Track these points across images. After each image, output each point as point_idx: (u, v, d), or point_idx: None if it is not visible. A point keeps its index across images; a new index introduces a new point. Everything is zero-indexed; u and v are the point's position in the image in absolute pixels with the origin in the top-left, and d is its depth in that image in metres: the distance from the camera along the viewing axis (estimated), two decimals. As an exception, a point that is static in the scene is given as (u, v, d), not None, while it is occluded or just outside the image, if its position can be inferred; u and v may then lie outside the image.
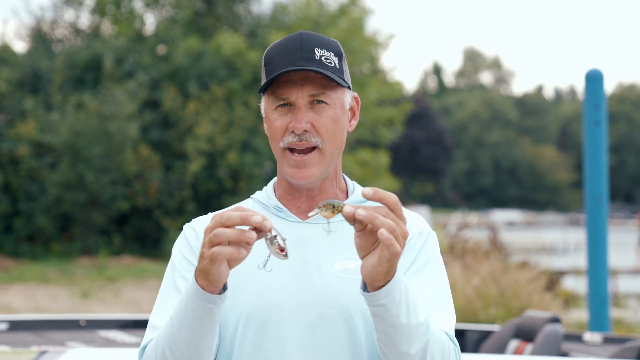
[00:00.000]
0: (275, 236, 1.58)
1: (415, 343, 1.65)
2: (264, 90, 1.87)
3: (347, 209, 1.54)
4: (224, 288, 1.65)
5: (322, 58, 1.83)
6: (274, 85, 1.84)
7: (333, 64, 1.84)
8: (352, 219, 1.54)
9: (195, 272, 1.63)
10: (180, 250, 1.90)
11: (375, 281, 1.58)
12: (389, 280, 1.59)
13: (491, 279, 8.58)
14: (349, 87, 1.90)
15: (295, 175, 1.85)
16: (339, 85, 1.85)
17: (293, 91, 1.83)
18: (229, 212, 1.57)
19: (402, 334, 1.64)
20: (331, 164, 1.88)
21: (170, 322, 1.70)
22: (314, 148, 1.85)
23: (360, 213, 1.53)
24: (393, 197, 1.56)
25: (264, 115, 1.92)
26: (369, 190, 1.55)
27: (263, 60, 1.90)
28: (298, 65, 1.81)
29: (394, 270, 1.58)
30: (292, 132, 1.84)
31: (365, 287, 1.62)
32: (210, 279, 1.60)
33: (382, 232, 1.51)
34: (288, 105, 1.85)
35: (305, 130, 1.83)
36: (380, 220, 1.53)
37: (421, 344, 1.66)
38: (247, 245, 1.57)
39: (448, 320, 1.81)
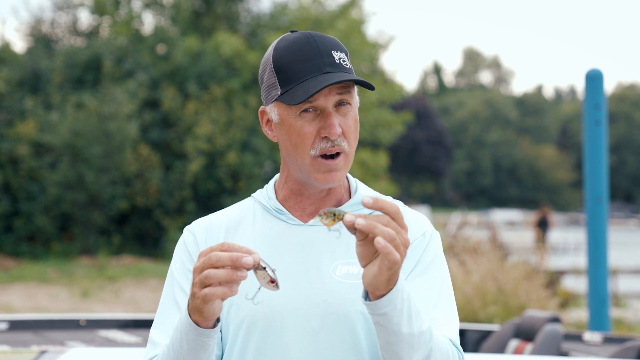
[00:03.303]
0: (265, 268, 1.58)
1: (417, 352, 1.65)
2: (286, 95, 1.80)
3: (348, 217, 1.53)
4: (217, 320, 1.67)
5: (341, 60, 1.83)
6: (297, 89, 1.80)
7: (348, 65, 1.84)
8: (353, 228, 1.54)
9: (188, 307, 1.65)
10: (180, 258, 1.90)
11: (377, 290, 1.58)
12: (390, 289, 1.58)
13: (490, 278, 8.58)
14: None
15: (327, 179, 1.83)
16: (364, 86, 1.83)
17: (322, 95, 1.80)
18: (218, 253, 1.57)
19: (403, 343, 1.63)
20: (351, 163, 1.89)
21: (167, 350, 1.72)
22: (339, 152, 1.84)
23: (360, 222, 1.52)
24: (394, 206, 1.55)
25: (278, 121, 1.86)
26: (369, 199, 1.55)
27: (273, 67, 1.84)
28: (325, 71, 1.79)
29: (395, 278, 1.57)
30: (325, 137, 1.81)
31: (367, 296, 1.62)
32: (204, 316, 1.62)
33: (379, 240, 1.51)
34: (312, 110, 1.81)
35: (338, 135, 1.82)
36: (380, 229, 1.52)
37: (423, 353, 1.66)
38: (238, 282, 1.59)
39: (451, 324, 1.80)
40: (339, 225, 1.61)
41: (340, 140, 1.82)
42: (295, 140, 1.83)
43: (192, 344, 1.66)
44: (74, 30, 24.23)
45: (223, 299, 1.60)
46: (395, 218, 1.55)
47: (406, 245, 1.55)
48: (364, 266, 1.58)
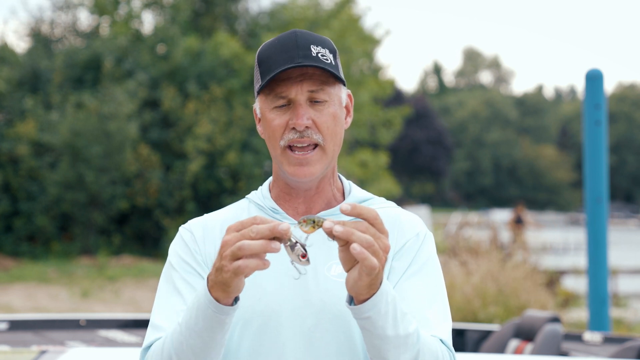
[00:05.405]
0: (296, 242, 1.57)
1: (404, 354, 1.65)
2: (262, 88, 1.84)
3: (327, 224, 1.53)
4: (236, 299, 1.65)
5: (319, 55, 1.82)
6: (272, 83, 1.82)
7: (329, 61, 1.83)
8: (332, 235, 1.54)
9: (209, 284, 1.62)
10: (178, 253, 1.88)
11: (359, 294, 1.58)
12: (373, 293, 1.58)
13: (491, 278, 8.58)
14: (344, 83, 1.89)
15: (297, 172, 1.84)
16: (336, 81, 1.85)
17: (292, 88, 1.81)
18: (257, 225, 1.55)
19: (389, 345, 1.63)
20: (331, 162, 1.87)
21: (178, 329, 1.69)
22: (315, 146, 1.83)
23: (337, 230, 1.52)
24: (372, 212, 1.55)
25: (259, 116, 1.89)
26: (347, 205, 1.54)
27: (257, 60, 1.88)
28: (296, 62, 1.79)
29: (377, 283, 1.57)
30: (293, 128, 1.82)
31: (351, 301, 1.62)
32: (230, 290, 1.60)
33: (354, 247, 1.51)
34: (287, 105, 1.83)
35: (306, 127, 1.81)
36: (357, 235, 1.52)
37: (411, 355, 1.66)
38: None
39: (444, 324, 1.80)
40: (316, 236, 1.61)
41: (310, 133, 1.82)
42: (269, 132, 1.86)
43: (208, 320, 1.64)
44: (74, 30, 24.22)
45: (252, 272, 1.57)
46: (374, 224, 1.54)
47: (386, 250, 1.54)
48: (346, 271, 1.58)
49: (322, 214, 1.89)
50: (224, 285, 1.59)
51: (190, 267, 1.85)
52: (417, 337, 1.66)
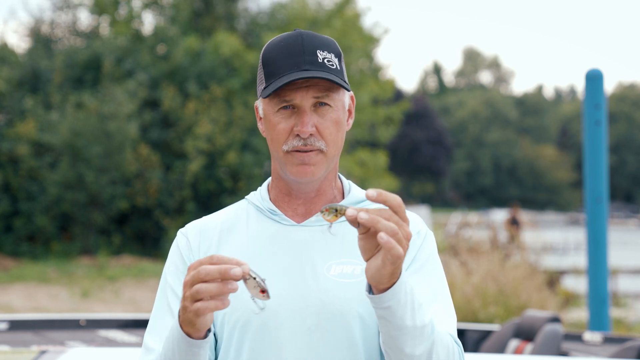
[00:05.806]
0: (255, 278, 1.57)
1: (420, 345, 1.65)
2: (266, 95, 1.83)
3: (350, 212, 1.53)
4: (209, 330, 1.66)
5: (325, 60, 1.82)
6: (272, 85, 1.82)
7: (335, 66, 1.83)
8: (355, 222, 1.54)
9: (179, 319, 1.64)
10: (174, 261, 1.90)
11: (380, 283, 1.57)
12: (394, 283, 1.58)
13: (491, 278, 8.58)
14: (348, 88, 1.89)
15: (299, 172, 1.83)
16: (341, 87, 1.85)
17: (298, 94, 1.81)
18: (207, 267, 1.55)
19: (407, 336, 1.63)
20: (332, 164, 1.88)
21: (160, 358, 1.72)
22: (317, 150, 1.84)
23: (362, 216, 1.52)
24: (397, 199, 1.55)
25: (262, 116, 1.90)
26: (372, 192, 1.54)
27: (261, 61, 1.87)
28: (302, 68, 1.79)
29: (398, 272, 1.57)
30: (297, 135, 1.82)
31: (370, 290, 1.61)
32: (196, 328, 1.62)
33: (382, 236, 1.50)
34: (291, 108, 1.83)
35: (310, 134, 1.82)
36: (382, 223, 1.52)
37: (426, 346, 1.66)
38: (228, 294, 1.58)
39: (449, 320, 1.81)
40: (335, 228, 1.60)
41: (314, 140, 1.82)
42: (272, 135, 1.86)
43: (183, 354, 1.66)
44: (74, 30, 24.22)
45: (214, 311, 1.60)
46: (397, 211, 1.54)
47: (408, 238, 1.55)
48: (366, 260, 1.57)
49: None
50: (190, 324, 1.61)
51: (184, 277, 1.85)
52: (431, 328, 1.67)
